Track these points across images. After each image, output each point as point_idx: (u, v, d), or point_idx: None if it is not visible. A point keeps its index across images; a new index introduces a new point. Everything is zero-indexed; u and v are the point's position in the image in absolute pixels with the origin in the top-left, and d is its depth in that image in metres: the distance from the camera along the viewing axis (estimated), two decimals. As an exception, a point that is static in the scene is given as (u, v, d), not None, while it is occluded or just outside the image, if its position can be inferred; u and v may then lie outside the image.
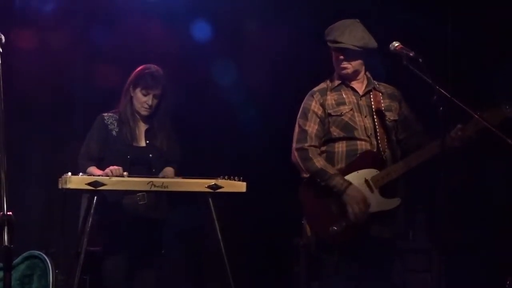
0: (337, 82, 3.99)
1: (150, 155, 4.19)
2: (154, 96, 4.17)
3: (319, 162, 3.86)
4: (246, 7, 5.64)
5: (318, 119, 3.93)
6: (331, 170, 3.83)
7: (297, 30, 5.68)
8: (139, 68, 4.23)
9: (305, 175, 3.91)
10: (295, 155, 3.95)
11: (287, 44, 5.71)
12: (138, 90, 4.18)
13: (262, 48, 5.75)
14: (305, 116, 3.96)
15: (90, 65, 5.43)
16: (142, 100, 4.17)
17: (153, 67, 4.22)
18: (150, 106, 4.18)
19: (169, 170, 4.25)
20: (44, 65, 5.27)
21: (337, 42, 3.87)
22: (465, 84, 5.17)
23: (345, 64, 3.91)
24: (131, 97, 4.20)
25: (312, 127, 3.93)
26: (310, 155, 3.88)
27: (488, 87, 5.17)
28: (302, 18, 5.69)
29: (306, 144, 3.90)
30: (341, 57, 3.90)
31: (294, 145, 3.96)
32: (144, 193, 4.06)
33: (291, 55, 5.71)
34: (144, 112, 4.20)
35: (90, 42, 5.43)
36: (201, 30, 5.63)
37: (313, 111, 3.94)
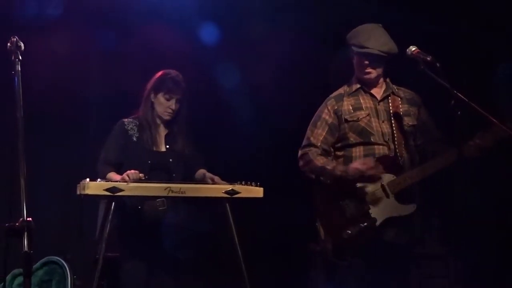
0: (355, 87, 3.99)
1: (170, 160, 4.18)
2: (177, 101, 4.19)
3: (319, 161, 3.91)
4: (250, 10, 5.63)
5: (328, 127, 3.97)
6: (330, 164, 3.88)
7: (303, 34, 5.67)
8: (159, 74, 4.23)
9: (313, 176, 3.95)
10: (300, 161, 4.01)
11: (301, 48, 5.70)
12: (160, 95, 4.19)
13: (273, 51, 5.74)
14: (314, 124, 4.02)
15: (103, 71, 5.44)
16: (166, 105, 4.18)
17: (173, 72, 4.23)
18: (173, 111, 4.19)
19: (204, 171, 4.25)
20: (57, 71, 5.26)
21: (363, 47, 3.86)
22: (481, 92, 5.13)
23: (369, 69, 3.92)
24: (152, 103, 4.21)
25: (320, 134, 3.97)
26: (311, 157, 3.94)
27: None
28: (309, 22, 5.67)
29: (307, 149, 3.97)
30: (366, 62, 3.90)
31: (299, 152, 4.02)
32: (164, 198, 4.06)
33: (305, 59, 5.70)
34: (167, 117, 4.20)
35: (103, 47, 5.44)
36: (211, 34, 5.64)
37: (324, 119, 3.98)
